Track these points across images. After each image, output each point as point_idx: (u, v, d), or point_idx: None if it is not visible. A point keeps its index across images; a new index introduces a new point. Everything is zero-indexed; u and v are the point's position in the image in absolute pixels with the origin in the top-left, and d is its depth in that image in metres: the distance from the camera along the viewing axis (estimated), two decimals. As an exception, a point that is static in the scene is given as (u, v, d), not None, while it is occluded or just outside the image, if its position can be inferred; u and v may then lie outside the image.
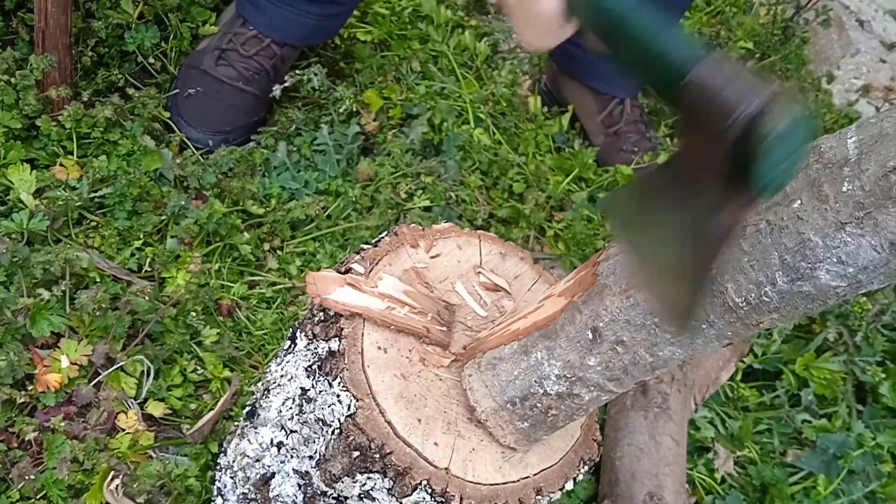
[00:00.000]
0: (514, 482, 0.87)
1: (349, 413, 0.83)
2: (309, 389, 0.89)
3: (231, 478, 1.09)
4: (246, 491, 1.06)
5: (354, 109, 1.76)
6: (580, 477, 0.96)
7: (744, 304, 0.66)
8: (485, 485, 0.85)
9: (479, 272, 1.01)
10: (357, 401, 0.84)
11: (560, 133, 2.07)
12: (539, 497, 0.88)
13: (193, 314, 1.38)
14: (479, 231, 1.07)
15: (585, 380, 0.81)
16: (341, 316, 0.90)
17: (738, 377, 1.67)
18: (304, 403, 0.90)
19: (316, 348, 0.91)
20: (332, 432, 0.86)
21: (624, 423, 1.45)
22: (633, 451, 1.40)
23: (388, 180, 1.71)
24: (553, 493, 0.90)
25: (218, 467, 1.19)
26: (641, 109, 2.14)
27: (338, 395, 0.84)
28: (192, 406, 1.33)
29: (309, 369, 0.90)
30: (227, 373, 1.37)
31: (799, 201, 0.62)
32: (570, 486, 0.94)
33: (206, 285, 1.45)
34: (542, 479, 0.89)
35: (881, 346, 1.65)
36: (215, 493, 1.17)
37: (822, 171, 0.62)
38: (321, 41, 1.93)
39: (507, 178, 1.89)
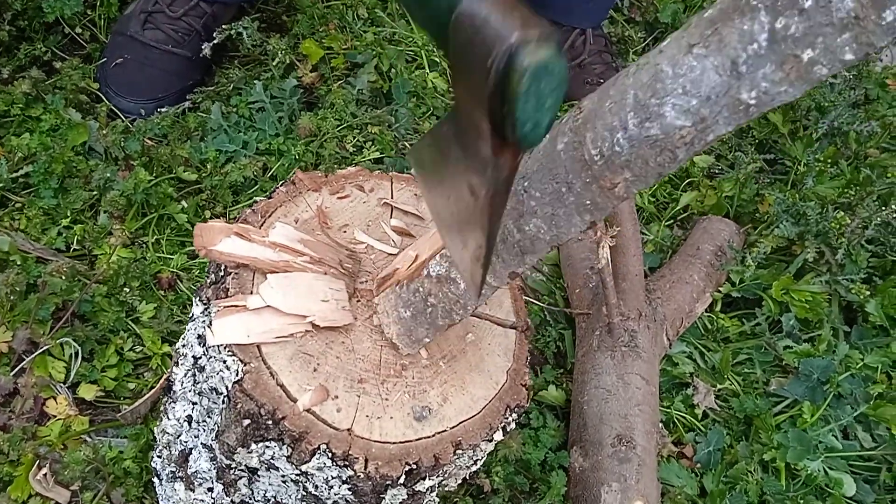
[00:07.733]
0: (427, 438, 0.80)
1: (237, 379, 0.76)
2: (200, 358, 0.82)
3: (159, 456, 1.03)
4: (173, 469, 1.00)
5: (288, 62, 1.66)
6: (511, 426, 0.88)
7: (598, 156, 0.63)
8: (394, 443, 0.78)
9: (387, 203, 0.93)
10: (244, 365, 0.76)
11: (522, 70, 1.98)
12: (460, 451, 0.81)
13: (127, 290, 1.32)
14: (391, 173, 0.98)
15: None
16: (230, 275, 0.83)
17: (718, 308, 1.58)
18: (197, 373, 0.83)
19: (210, 313, 0.84)
20: (223, 401, 0.79)
21: (591, 365, 1.37)
22: (600, 393, 1.32)
23: (333, 134, 1.63)
24: (477, 445, 0.83)
25: (155, 447, 1.14)
26: (606, 38, 2.03)
27: (225, 361, 0.77)
28: (132, 385, 1.27)
29: (200, 337, 0.83)
30: (167, 348, 1.30)
31: (669, 39, 0.59)
32: (499, 436, 0.86)
33: (141, 259, 1.38)
34: (460, 433, 0.81)
35: (865, 263, 1.55)
36: (154, 473, 1.12)
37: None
38: (255, -5, 1.84)
39: (465, 121, 1.79)
